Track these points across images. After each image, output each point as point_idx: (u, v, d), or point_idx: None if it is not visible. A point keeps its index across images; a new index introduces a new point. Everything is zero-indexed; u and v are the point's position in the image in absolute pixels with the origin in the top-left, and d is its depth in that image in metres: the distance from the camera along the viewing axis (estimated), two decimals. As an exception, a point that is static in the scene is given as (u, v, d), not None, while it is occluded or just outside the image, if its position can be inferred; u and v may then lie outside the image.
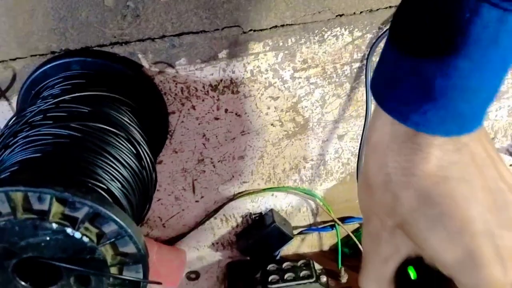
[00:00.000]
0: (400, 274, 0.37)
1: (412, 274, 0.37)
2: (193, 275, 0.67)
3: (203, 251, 0.65)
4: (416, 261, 0.36)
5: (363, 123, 0.55)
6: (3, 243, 0.32)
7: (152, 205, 0.58)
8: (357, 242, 0.60)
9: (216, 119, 0.54)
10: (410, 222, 0.30)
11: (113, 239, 0.33)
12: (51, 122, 0.39)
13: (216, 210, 0.60)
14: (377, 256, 0.34)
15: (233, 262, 0.66)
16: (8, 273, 0.34)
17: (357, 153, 0.56)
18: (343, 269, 0.61)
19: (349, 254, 0.62)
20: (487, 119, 0.56)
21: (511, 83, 0.54)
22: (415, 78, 0.27)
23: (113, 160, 0.39)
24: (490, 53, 0.25)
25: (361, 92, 0.53)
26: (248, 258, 0.64)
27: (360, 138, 0.55)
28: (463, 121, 0.28)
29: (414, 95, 0.27)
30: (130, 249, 0.34)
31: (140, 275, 0.35)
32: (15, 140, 0.39)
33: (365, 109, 0.53)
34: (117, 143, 0.40)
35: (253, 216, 0.62)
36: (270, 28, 0.48)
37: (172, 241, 0.63)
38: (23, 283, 0.34)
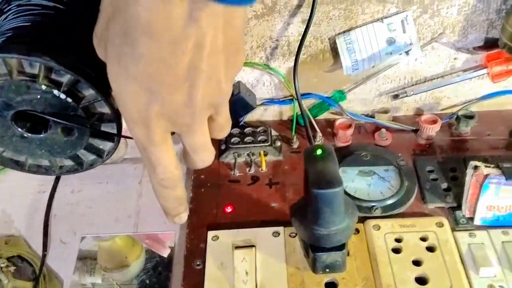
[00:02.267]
0: (310, 151, 0.47)
1: (319, 151, 0.47)
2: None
3: (178, 112, 0.73)
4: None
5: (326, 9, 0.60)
6: (2, 98, 0.40)
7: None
8: (309, 115, 0.69)
9: (191, -4, 0.58)
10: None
11: (92, 101, 0.42)
12: (39, -7, 0.45)
13: (189, 78, 0.68)
14: None
15: (204, 123, 0.75)
16: (7, 121, 0.42)
17: (317, 37, 0.63)
18: (295, 136, 0.71)
19: (303, 124, 0.71)
20: (439, 15, 0.62)
21: (464, -16, 0.59)
22: None
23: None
24: None
25: (326, -18, 0.58)
26: (217, 121, 0.74)
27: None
28: None
29: None
30: (106, 110, 0.43)
31: (115, 131, 0.44)
32: (9, 7, 0.45)
33: (327, -2, 0.58)
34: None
35: (222, 86, 0.70)
36: None
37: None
38: (19, 129, 0.43)
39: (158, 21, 0.28)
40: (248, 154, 0.69)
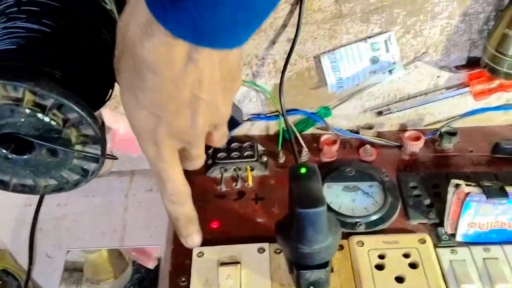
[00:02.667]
0: (294, 170, 0.48)
1: (303, 170, 0.48)
2: (156, 145, 0.77)
3: (165, 126, 0.74)
4: None
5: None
6: (-14, 121, 0.40)
7: (119, 84, 0.66)
8: (295, 130, 0.70)
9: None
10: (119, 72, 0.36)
11: (76, 124, 0.42)
12: (24, 16, 0.45)
13: (176, 93, 0.68)
14: None
15: (191, 137, 0.76)
16: (-9, 143, 0.42)
17: (302, 55, 0.64)
18: (282, 151, 0.71)
19: (289, 140, 0.72)
20: (421, 35, 0.63)
21: (445, 6, 0.60)
22: None
23: (80, 55, 0.46)
24: None
25: (310, 2, 0.58)
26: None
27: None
28: (199, 32, 0.30)
29: None
30: (90, 132, 0.43)
31: (99, 152, 0.44)
32: (-8, 29, 0.45)
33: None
34: (85, 41, 0.47)
35: (209, 101, 0.70)
36: None
37: (137, 116, 0.71)
38: (4, 150, 0.43)
39: (161, 62, 0.32)
40: (234, 169, 0.69)
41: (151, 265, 0.82)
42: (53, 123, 0.41)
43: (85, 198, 0.76)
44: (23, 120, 0.41)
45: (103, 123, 0.61)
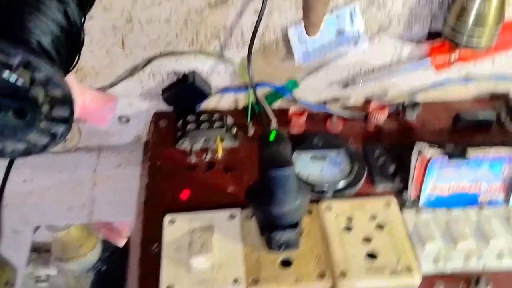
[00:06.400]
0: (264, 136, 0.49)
1: (272, 136, 0.48)
2: (124, 119, 0.76)
3: (133, 99, 0.73)
4: None
5: None
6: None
7: (85, 55, 0.65)
8: (265, 103, 0.71)
9: (144, -17, 0.59)
10: None
11: (43, 83, 0.41)
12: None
13: (144, 65, 0.68)
14: None
15: (160, 112, 0.76)
16: (-44, 104, 0.41)
17: (270, 27, 0.64)
18: (251, 123, 0.72)
19: (258, 112, 0.73)
20: (385, 7, 0.65)
21: (409, -23, 0.62)
22: None
23: (44, 17, 0.45)
24: None
25: (278, -28, 0.59)
26: (172, 109, 0.74)
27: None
28: None
29: None
30: (58, 92, 0.42)
31: (67, 114, 0.44)
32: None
33: (279, -13, 0.60)
34: (48, 2, 0.46)
35: (177, 74, 0.70)
36: None
37: (104, 89, 0.71)
38: (-31, 112, 0.42)
39: None
40: (204, 141, 0.69)
41: (120, 242, 0.81)
42: (20, 82, 0.40)
43: (51, 174, 0.75)
44: (-12, 78, 0.40)
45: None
